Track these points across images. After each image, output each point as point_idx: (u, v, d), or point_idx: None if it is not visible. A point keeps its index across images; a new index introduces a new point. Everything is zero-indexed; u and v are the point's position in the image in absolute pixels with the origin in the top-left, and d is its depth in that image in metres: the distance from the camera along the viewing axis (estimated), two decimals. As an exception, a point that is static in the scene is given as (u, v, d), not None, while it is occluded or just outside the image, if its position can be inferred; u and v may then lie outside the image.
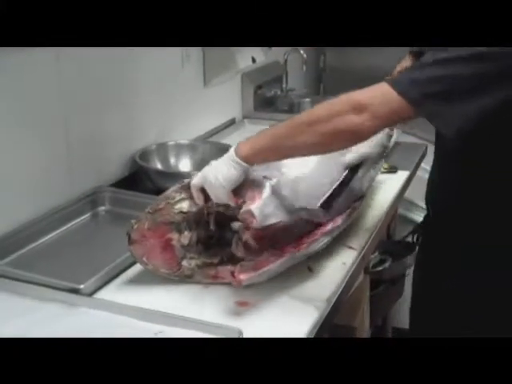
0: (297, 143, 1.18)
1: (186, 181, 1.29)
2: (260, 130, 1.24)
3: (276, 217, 1.23)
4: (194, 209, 1.28)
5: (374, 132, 1.16)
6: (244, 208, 1.20)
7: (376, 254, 2.25)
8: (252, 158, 1.21)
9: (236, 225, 1.30)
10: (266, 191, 1.24)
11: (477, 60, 1.08)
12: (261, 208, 1.20)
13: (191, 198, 1.27)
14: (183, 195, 1.28)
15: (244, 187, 1.25)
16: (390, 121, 1.16)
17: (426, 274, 1.48)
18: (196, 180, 1.25)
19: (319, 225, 1.33)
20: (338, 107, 1.14)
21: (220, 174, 1.21)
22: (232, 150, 1.22)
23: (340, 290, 1.32)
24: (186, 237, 1.30)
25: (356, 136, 1.16)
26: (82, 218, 1.66)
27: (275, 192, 1.25)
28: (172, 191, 1.29)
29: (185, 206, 1.28)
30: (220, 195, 1.23)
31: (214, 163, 1.24)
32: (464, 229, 1.34)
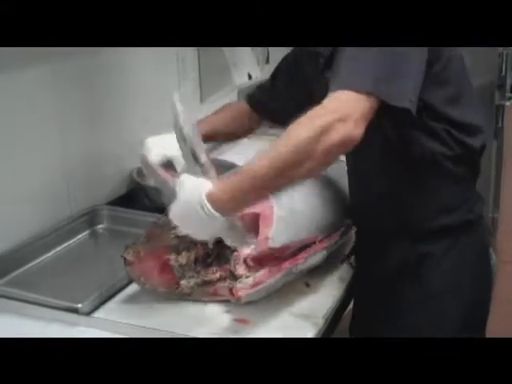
0: (284, 182, 1.11)
1: None
2: (235, 173, 1.13)
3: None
4: None
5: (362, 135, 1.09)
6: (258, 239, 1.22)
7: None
8: (227, 205, 1.09)
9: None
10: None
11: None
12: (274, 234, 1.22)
13: None
14: None
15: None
16: (370, 118, 1.10)
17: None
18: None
19: (316, 241, 1.34)
20: (319, 123, 1.06)
21: (193, 228, 1.14)
22: (204, 199, 1.08)
23: (337, 305, 1.32)
24: (184, 257, 1.30)
25: (348, 147, 1.10)
26: (80, 236, 1.66)
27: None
28: (166, 218, 1.30)
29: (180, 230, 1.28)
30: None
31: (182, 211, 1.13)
32: None
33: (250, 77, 2.34)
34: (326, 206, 1.41)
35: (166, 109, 2.08)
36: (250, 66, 2.35)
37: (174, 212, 1.14)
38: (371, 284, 1.38)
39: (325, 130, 1.05)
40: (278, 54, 2.81)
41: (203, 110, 2.29)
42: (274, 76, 1.60)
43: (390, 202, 1.28)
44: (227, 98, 2.48)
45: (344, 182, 1.45)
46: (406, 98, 1.12)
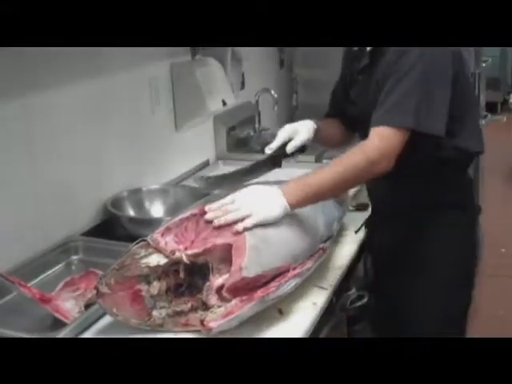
0: (335, 193, 1.52)
1: (149, 237, 1.31)
2: (304, 176, 1.41)
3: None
4: (161, 262, 1.29)
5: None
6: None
7: (353, 290, 2.26)
8: (297, 206, 1.39)
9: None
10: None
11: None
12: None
13: (157, 252, 1.29)
14: (149, 250, 1.29)
15: None
16: (399, 151, 1.40)
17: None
18: (234, 199, 1.37)
19: (289, 269, 1.35)
20: (371, 158, 1.39)
21: (262, 210, 1.34)
22: (281, 195, 1.36)
23: (311, 330, 1.33)
24: (155, 287, 1.30)
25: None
26: (56, 268, 1.66)
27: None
28: (137, 247, 1.30)
29: (151, 260, 1.29)
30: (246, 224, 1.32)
31: (259, 196, 1.37)
32: None
33: (224, 103, 2.35)
34: (299, 233, 1.42)
35: (138, 137, 2.09)
36: (225, 93, 2.37)
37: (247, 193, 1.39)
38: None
39: (374, 163, 1.39)
40: (253, 78, 2.85)
41: (179, 136, 2.31)
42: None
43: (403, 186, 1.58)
44: (203, 125, 2.50)
45: (318, 215, 1.50)
46: (440, 126, 1.40)
